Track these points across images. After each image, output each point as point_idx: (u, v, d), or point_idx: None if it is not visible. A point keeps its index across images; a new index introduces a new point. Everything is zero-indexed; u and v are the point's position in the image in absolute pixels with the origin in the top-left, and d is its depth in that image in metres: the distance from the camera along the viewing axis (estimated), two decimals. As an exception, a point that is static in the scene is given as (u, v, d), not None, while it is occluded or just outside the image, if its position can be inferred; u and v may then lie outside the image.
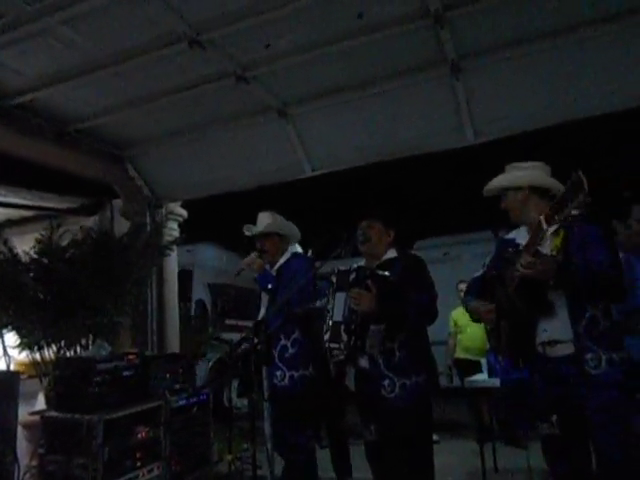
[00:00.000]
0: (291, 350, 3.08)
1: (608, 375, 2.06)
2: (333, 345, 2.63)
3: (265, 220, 3.36)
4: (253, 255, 3.29)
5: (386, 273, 2.61)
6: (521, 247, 2.21)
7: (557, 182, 2.27)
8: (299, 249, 3.53)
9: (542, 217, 1.98)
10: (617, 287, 2.11)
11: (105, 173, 5.14)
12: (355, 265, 2.79)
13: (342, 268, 2.76)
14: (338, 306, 2.65)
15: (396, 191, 9.66)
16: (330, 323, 2.67)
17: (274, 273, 3.26)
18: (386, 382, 2.58)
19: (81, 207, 5.61)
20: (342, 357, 2.73)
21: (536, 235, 2.04)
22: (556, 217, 1.93)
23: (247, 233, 3.40)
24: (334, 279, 2.69)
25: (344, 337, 2.62)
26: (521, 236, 2.34)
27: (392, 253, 2.79)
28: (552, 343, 2.17)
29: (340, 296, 2.66)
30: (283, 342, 3.09)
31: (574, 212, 1.92)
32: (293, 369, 3.05)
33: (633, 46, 3.47)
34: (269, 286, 3.18)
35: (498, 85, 3.89)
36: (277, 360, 3.04)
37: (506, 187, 2.36)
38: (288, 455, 3.05)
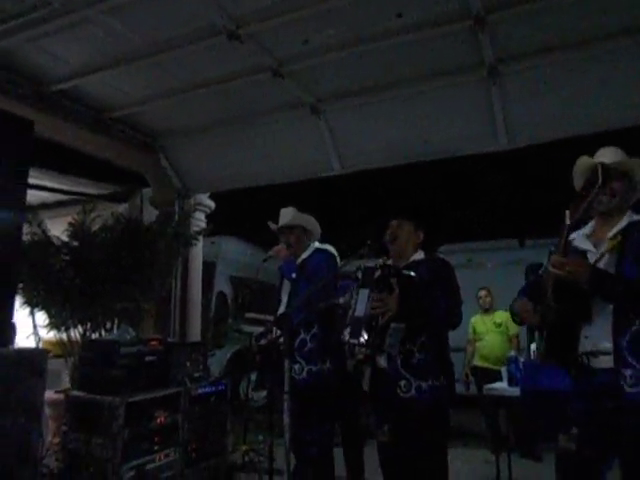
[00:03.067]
0: (310, 344, 3.09)
1: None
2: (353, 341, 2.62)
3: (289, 214, 3.39)
4: (282, 244, 3.33)
5: (412, 273, 2.60)
6: (579, 248, 2.12)
7: None
8: (331, 249, 3.54)
9: (568, 211, 1.92)
10: None
11: (137, 161, 5.24)
12: (381, 262, 2.77)
13: (369, 264, 2.75)
14: (361, 302, 2.63)
15: (424, 193, 9.59)
16: (352, 318, 2.66)
17: (299, 264, 3.28)
18: (402, 382, 2.55)
19: (113, 194, 5.73)
20: (361, 356, 2.73)
21: (563, 231, 1.96)
22: (577, 211, 1.87)
23: (272, 227, 3.44)
24: (359, 275, 2.68)
25: (364, 334, 2.61)
26: (579, 238, 2.18)
27: (420, 255, 2.76)
28: (596, 353, 2.03)
29: (364, 292, 2.63)
30: (302, 336, 3.10)
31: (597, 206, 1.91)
32: (312, 363, 3.07)
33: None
34: (293, 275, 3.20)
35: (534, 91, 3.84)
36: (296, 354, 3.06)
37: (624, 170, 2.08)
38: (301, 450, 3.07)
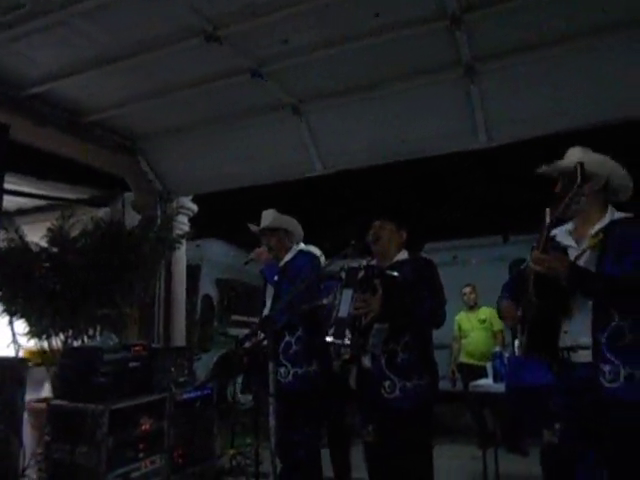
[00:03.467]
0: (295, 347, 3.08)
1: (623, 391, 1.92)
2: (337, 341, 2.62)
3: (270, 216, 3.38)
4: (264, 247, 3.31)
5: (395, 273, 2.60)
6: (561, 244, 2.14)
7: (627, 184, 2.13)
8: (315, 251, 3.53)
9: (548, 209, 1.94)
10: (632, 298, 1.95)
11: (117, 165, 5.17)
12: (364, 262, 2.77)
13: (352, 265, 2.74)
14: (345, 302, 2.63)
15: (407, 192, 9.64)
16: (335, 319, 2.66)
17: (280, 269, 3.26)
18: (387, 383, 2.57)
19: (93, 198, 5.66)
20: (347, 356, 2.73)
21: (543, 229, 1.98)
22: (557, 210, 1.90)
23: (253, 229, 3.42)
24: (343, 275, 2.68)
25: (348, 334, 2.61)
26: (561, 234, 2.20)
27: (403, 255, 2.77)
28: (575, 348, 2.04)
29: (347, 292, 2.64)
30: (287, 339, 3.09)
31: (574, 206, 1.94)
32: (297, 366, 3.06)
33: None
34: (275, 278, 3.19)
35: (512, 89, 3.87)
36: (281, 357, 3.05)
37: (589, 170, 2.04)
38: (288, 453, 3.05)
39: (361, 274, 2.63)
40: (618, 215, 2.11)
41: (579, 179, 1.88)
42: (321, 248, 3.68)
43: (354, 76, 3.95)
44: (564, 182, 2.01)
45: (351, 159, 4.69)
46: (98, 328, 4.23)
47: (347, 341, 2.55)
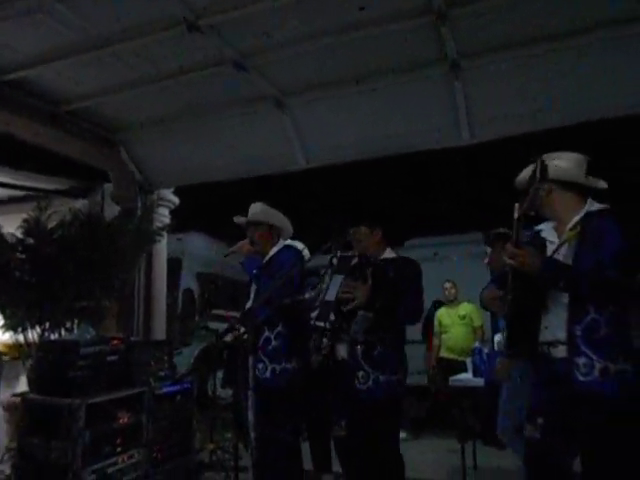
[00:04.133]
0: (274, 343, 3.06)
1: (598, 385, 1.94)
2: (319, 323, 2.65)
3: (256, 210, 3.35)
4: (246, 240, 3.29)
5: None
6: (546, 239, 2.20)
7: (582, 174, 2.17)
8: (298, 246, 3.51)
9: (517, 205, 1.99)
10: (608, 289, 1.98)
11: (96, 156, 5.07)
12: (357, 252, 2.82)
13: (345, 253, 2.77)
14: (333, 287, 2.66)
15: (388, 188, 9.67)
16: (322, 302, 2.67)
17: (267, 261, 3.24)
18: (360, 373, 2.65)
19: (71, 189, 5.54)
20: (326, 351, 2.74)
21: (514, 225, 2.02)
22: (522, 206, 1.96)
23: (238, 221, 3.39)
24: (335, 261, 2.65)
25: (331, 317, 2.65)
26: (547, 229, 2.27)
27: (390, 253, 2.86)
28: (555, 343, 2.07)
29: (337, 278, 2.68)
30: (267, 334, 3.07)
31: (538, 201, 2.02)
32: (275, 362, 3.04)
33: (629, 54, 3.48)
34: (253, 272, 3.17)
35: (497, 86, 3.89)
36: (260, 352, 3.03)
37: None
38: (265, 449, 3.04)
39: (355, 261, 2.72)
40: (596, 207, 2.14)
41: (538, 175, 1.96)
42: (304, 242, 3.67)
43: (338, 70, 3.93)
44: (529, 179, 2.07)
45: (334, 154, 4.67)
46: (76, 321, 4.16)
47: (328, 325, 2.58)
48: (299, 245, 3.52)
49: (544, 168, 2.00)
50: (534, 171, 2.00)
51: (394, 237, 2.99)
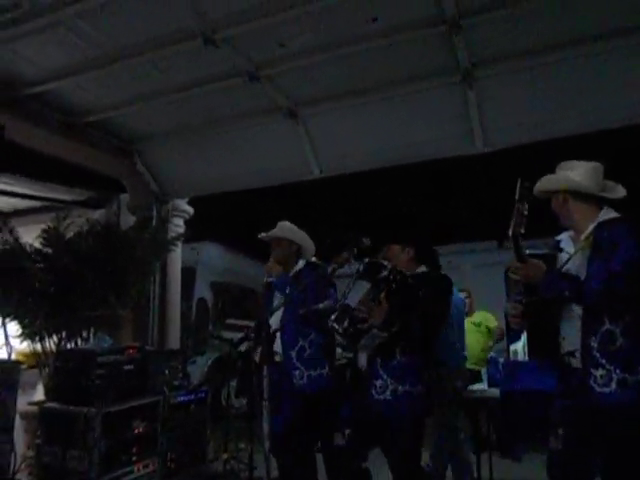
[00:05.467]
0: (309, 351, 3.09)
1: (617, 396, 1.91)
2: (335, 326, 2.61)
3: (281, 228, 3.39)
4: (271, 260, 3.33)
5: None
6: (565, 251, 2.19)
7: (598, 183, 2.15)
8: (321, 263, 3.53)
9: (512, 222, 2.01)
10: (618, 299, 1.95)
11: (113, 167, 5.16)
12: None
13: (374, 260, 2.71)
14: (355, 292, 2.61)
15: (401, 197, 9.65)
16: (342, 305, 2.63)
17: (290, 279, 3.26)
18: (379, 383, 2.56)
19: (88, 200, 5.63)
20: (345, 361, 2.73)
21: (512, 242, 2.04)
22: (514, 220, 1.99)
23: (261, 236, 3.43)
24: (361, 267, 2.64)
25: (346, 323, 2.60)
26: (565, 239, 2.26)
27: (421, 268, 2.79)
28: (574, 353, 2.05)
29: (361, 284, 2.63)
30: (301, 343, 3.10)
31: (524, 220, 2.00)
32: (311, 369, 3.08)
33: (636, 61, 3.47)
34: (287, 290, 3.19)
35: (510, 94, 3.89)
36: (295, 360, 3.07)
37: (547, 190, 2.23)
38: (286, 456, 3.04)
39: (384, 273, 2.58)
40: (609, 216, 2.12)
41: (517, 196, 1.99)
42: (318, 251, 3.67)
43: (351, 80, 3.96)
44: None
45: (348, 163, 4.69)
46: (92, 330, 4.20)
47: (341, 330, 2.54)
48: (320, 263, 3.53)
49: (523, 189, 2.02)
50: (515, 191, 2.01)
51: (426, 256, 2.93)
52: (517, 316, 2.18)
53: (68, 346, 4.10)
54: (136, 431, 3.35)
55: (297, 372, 3.06)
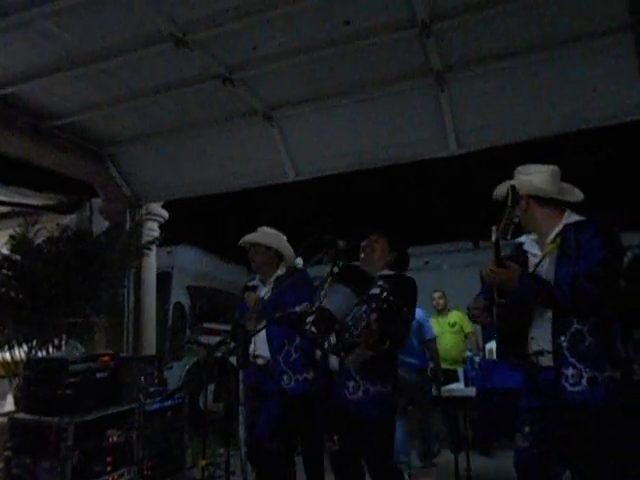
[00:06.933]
0: (294, 355, 3.11)
1: (587, 394, 1.96)
2: (313, 329, 2.57)
3: (261, 233, 3.37)
4: (250, 293, 3.29)
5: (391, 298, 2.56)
6: (528, 253, 2.22)
7: (558, 187, 2.21)
8: (299, 262, 3.51)
9: (494, 227, 2.03)
10: (586, 301, 1.98)
11: (85, 171, 5.06)
12: (382, 283, 2.64)
13: (356, 266, 2.66)
14: (333, 296, 2.53)
15: (378, 198, 9.72)
16: (319, 307, 2.56)
17: (272, 284, 3.24)
18: (351, 383, 2.61)
19: (59, 205, 5.51)
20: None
21: (493, 246, 2.06)
22: (498, 230, 2.00)
23: (240, 244, 3.41)
24: (336, 269, 2.59)
25: (332, 338, 2.57)
26: (528, 242, 2.30)
27: (388, 272, 2.82)
28: (543, 352, 2.10)
29: (339, 288, 2.53)
30: (287, 348, 3.11)
31: (512, 226, 2.03)
32: (298, 373, 3.09)
33: (605, 65, 3.54)
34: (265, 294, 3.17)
35: (482, 97, 3.94)
36: (283, 365, 3.09)
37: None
38: (259, 463, 3.02)
39: (375, 290, 2.53)
40: (573, 219, 2.17)
41: (509, 202, 2.00)
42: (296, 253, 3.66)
43: (326, 83, 3.96)
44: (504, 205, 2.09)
45: (323, 166, 4.70)
46: (64, 338, 4.11)
47: (326, 344, 2.52)
48: (299, 262, 3.51)
49: (515, 195, 2.04)
50: (506, 198, 2.03)
51: (403, 264, 2.92)
52: (477, 308, 2.24)
53: (39, 355, 4.00)
54: (110, 440, 3.28)
55: (285, 377, 3.08)
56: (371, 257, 2.82)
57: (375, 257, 2.82)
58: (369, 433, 2.58)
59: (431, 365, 5.21)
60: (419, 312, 5.24)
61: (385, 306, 2.47)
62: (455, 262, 8.28)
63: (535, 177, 2.22)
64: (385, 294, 2.49)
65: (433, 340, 5.30)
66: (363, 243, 2.86)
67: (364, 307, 2.48)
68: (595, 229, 2.07)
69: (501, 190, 2.27)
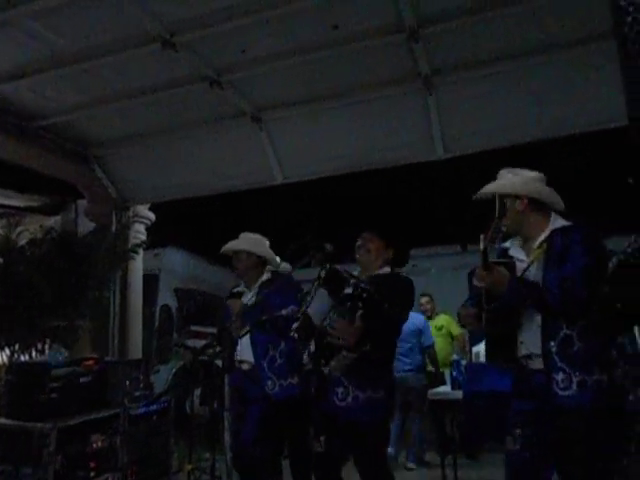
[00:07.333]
0: (279, 361, 3.08)
1: (577, 398, 1.98)
2: (295, 335, 2.55)
3: (244, 239, 3.35)
4: (234, 301, 3.25)
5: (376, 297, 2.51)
6: (514, 258, 2.22)
7: (555, 196, 2.23)
8: (286, 266, 3.49)
9: (482, 236, 2.04)
10: (574, 305, 2.00)
11: (69, 172, 5.00)
12: (355, 273, 2.69)
13: (336, 267, 2.61)
14: (318, 301, 2.54)
15: (367, 200, 9.74)
16: (303, 313, 2.56)
17: (256, 289, 3.23)
18: (340, 390, 2.54)
19: (43, 206, 5.44)
20: (310, 366, 2.70)
21: (481, 253, 2.06)
22: (486, 238, 2.02)
23: (223, 251, 3.39)
24: (323, 273, 2.56)
25: (312, 346, 2.56)
26: (514, 247, 2.29)
27: (386, 270, 2.75)
28: (532, 356, 2.11)
29: (322, 292, 2.54)
30: (272, 353, 3.09)
31: (500, 234, 2.07)
32: (282, 378, 3.07)
33: (590, 72, 3.58)
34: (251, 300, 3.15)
35: (469, 102, 3.96)
36: (267, 370, 3.06)
37: (505, 194, 2.22)
38: (246, 468, 3.01)
39: (348, 290, 2.51)
40: (559, 224, 2.19)
41: (497, 212, 2.04)
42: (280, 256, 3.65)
43: (314, 86, 3.96)
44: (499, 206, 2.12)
45: (311, 169, 4.69)
46: (47, 342, 4.05)
47: (305, 355, 2.51)
48: (286, 266, 3.49)
49: (502, 205, 2.07)
50: (495, 209, 2.05)
51: (402, 260, 2.86)
52: (468, 316, 2.24)
53: (22, 359, 3.94)
54: (94, 446, 3.23)
55: (269, 382, 3.05)
56: (367, 257, 2.75)
57: (371, 256, 2.74)
58: (361, 439, 2.53)
59: (431, 369, 5.31)
60: (419, 318, 5.29)
61: (361, 305, 2.42)
62: (443, 265, 8.31)
63: (534, 182, 2.23)
64: (359, 293, 2.45)
65: (431, 346, 5.35)
66: (357, 243, 2.78)
67: (340, 309, 2.47)
68: (581, 235, 2.09)
69: (487, 189, 2.26)
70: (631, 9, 1.46)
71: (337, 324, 2.45)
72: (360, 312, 2.42)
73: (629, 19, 1.47)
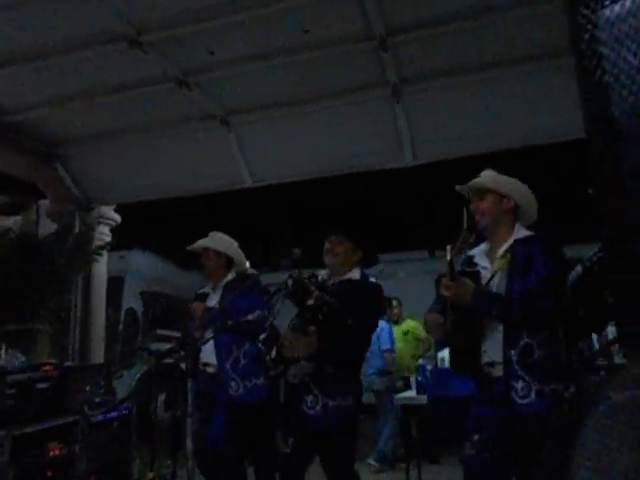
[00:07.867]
0: (243, 361, 3.07)
1: (535, 406, 2.01)
2: (262, 347, 2.57)
3: (213, 238, 3.33)
4: (197, 303, 3.24)
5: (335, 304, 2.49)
6: (479, 265, 2.25)
7: (535, 208, 2.27)
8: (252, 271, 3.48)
9: (449, 247, 2.07)
10: (538, 315, 2.05)
11: (31, 171, 4.84)
12: (319, 279, 2.63)
13: (302, 277, 2.58)
14: (285, 309, 2.57)
15: (334, 206, 9.78)
16: (270, 324, 2.60)
17: (221, 290, 3.20)
18: (310, 398, 2.54)
19: (3, 206, 5.25)
20: (275, 372, 2.69)
21: (447, 264, 2.10)
22: (453, 249, 2.06)
23: (190, 249, 3.35)
24: (290, 282, 2.54)
25: (274, 351, 2.57)
26: (479, 254, 2.31)
27: (356, 274, 2.73)
28: (494, 364, 2.14)
29: (287, 303, 2.57)
30: (235, 354, 3.07)
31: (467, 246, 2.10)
32: (246, 379, 3.06)
33: (546, 86, 3.69)
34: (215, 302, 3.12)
35: (436, 110, 4.03)
36: (231, 372, 3.04)
37: (491, 189, 2.23)
38: (209, 472, 2.97)
39: (310, 302, 2.48)
40: (522, 234, 2.23)
41: (465, 224, 2.09)
42: (249, 259, 3.63)
43: (283, 91, 3.96)
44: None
45: (280, 173, 4.68)
46: (3, 346, 3.89)
47: (268, 358, 2.51)
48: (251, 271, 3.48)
49: (470, 218, 2.11)
50: (462, 220, 2.10)
51: (371, 260, 2.85)
52: (434, 324, 2.29)
53: (-24, 364, 3.78)
54: (51, 454, 3.13)
55: (233, 383, 3.03)
56: (335, 260, 2.71)
57: (339, 259, 2.71)
58: (330, 446, 2.53)
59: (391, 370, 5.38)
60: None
61: (320, 317, 2.42)
62: (411, 270, 8.42)
63: (524, 189, 2.26)
64: (321, 305, 2.44)
65: (388, 350, 5.40)
66: (325, 246, 2.74)
67: (297, 320, 2.48)
68: (542, 245, 2.14)
69: (480, 182, 2.27)
70: (589, 27, 1.51)
71: (288, 336, 2.49)
72: (312, 327, 2.43)
73: (586, 36, 1.51)
